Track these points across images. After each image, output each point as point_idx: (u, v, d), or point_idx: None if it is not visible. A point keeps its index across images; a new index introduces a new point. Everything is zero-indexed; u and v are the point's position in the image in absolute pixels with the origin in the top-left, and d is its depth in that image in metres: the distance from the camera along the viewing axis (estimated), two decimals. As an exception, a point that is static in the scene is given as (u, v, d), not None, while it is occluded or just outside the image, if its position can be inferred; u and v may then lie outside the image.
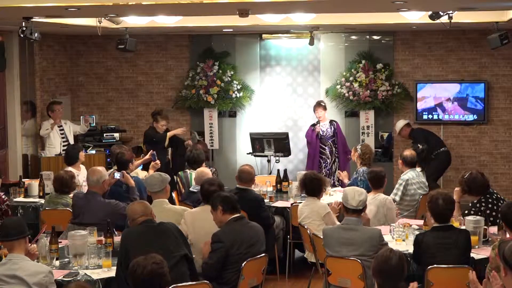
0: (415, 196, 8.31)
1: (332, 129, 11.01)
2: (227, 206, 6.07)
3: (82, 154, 9.25)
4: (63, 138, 10.95)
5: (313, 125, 11.14)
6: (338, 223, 7.14)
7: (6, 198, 7.53)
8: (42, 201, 8.30)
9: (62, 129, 11.02)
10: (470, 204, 7.02)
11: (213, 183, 6.87)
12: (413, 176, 8.40)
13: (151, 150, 9.39)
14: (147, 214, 5.70)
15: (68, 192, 7.67)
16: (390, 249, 4.85)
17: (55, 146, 10.80)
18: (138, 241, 5.46)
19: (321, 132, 10.98)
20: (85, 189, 7.73)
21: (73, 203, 7.07)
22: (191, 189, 8.31)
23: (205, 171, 8.21)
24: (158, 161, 8.76)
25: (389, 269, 4.61)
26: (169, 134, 10.67)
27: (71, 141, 10.95)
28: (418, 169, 8.66)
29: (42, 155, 10.94)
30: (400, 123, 11.47)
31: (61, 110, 11.12)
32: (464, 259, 5.81)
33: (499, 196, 7.07)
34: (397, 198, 8.17)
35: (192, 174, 8.63)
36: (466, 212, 6.89)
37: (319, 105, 11.11)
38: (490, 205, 6.93)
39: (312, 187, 7.40)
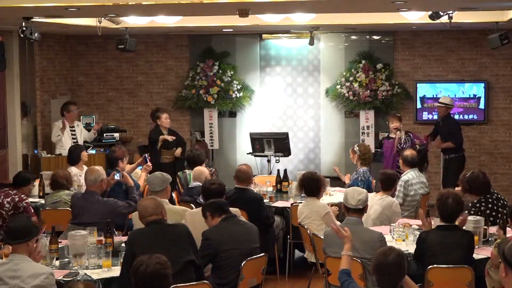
0: (416, 197, 8.29)
1: (409, 141, 10.21)
2: (214, 210, 6.16)
3: (84, 154, 9.29)
4: (74, 139, 10.97)
5: (388, 137, 10.54)
6: (338, 222, 7.14)
7: (25, 197, 7.54)
8: (42, 201, 8.31)
9: (74, 130, 11.06)
10: (470, 204, 7.02)
11: (214, 182, 6.99)
12: (414, 177, 8.37)
13: (144, 154, 9.40)
14: (157, 214, 5.66)
15: (68, 187, 7.85)
16: (390, 246, 4.84)
17: (65, 148, 10.78)
18: (145, 243, 5.43)
19: (398, 146, 10.14)
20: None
21: (72, 203, 7.07)
22: (189, 186, 8.38)
23: (201, 169, 8.36)
24: (149, 164, 8.77)
25: (386, 265, 4.60)
26: (161, 137, 10.65)
27: (81, 143, 10.93)
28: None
29: (42, 155, 10.95)
30: (446, 100, 10.89)
31: (76, 112, 11.20)
32: (466, 260, 5.80)
33: (499, 196, 7.06)
34: (400, 201, 8.12)
35: (191, 174, 8.65)
36: (466, 212, 6.87)
37: (394, 116, 10.53)
38: (490, 205, 6.92)
39: (311, 187, 7.42)
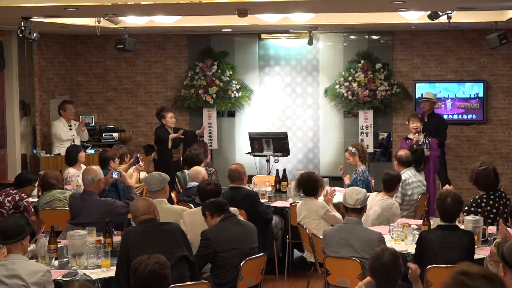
0: (413, 196, 8.29)
1: (427, 145, 9.95)
2: (213, 210, 6.16)
3: (81, 155, 9.30)
4: (72, 137, 11.02)
5: (406, 138, 10.18)
6: (338, 216, 7.17)
7: (25, 196, 7.56)
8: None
9: (72, 129, 11.08)
10: (471, 200, 7.01)
11: (209, 183, 6.95)
12: (410, 176, 8.36)
13: (135, 154, 9.40)
14: (149, 213, 5.68)
15: (59, 187, 7.85)
16: (383, 246, 4.85)
17: (65, 146, 10.82)
18: (138, 241, 5.46)
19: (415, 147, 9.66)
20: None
21: (70, 203, 7.07)
22: (187, 186, 8.38)
23: (198, 169, 8.36)
24: (141, 164, 8.76)
25: (381, 266, 4.60)
26: (171, 136, 10.70)
27: (78, 143, 10.95)
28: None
29: (41, 155, 10.94)
30: (428, 95, 10.99)
31: (73, 110, 11.23)
32: (466, 260, 5.79)
33: (503, 194, 7.01)
34: (399, 200, 8.11)
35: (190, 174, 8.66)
36: (467, 208, 6.87)
37: (415, 116, 10.18)
38: (491, 202, 6.90)
39: (308, 187, 7.43)
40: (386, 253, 4.63)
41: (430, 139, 10.14)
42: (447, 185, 7.38)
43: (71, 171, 9.11)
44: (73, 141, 10.95)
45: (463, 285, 2.58)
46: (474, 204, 6.92)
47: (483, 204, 6.89)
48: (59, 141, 11.00)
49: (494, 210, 6.88)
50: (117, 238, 6.25)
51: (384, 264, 4.59)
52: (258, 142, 11.10)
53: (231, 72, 12.38)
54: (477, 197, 7.00)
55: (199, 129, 11.42)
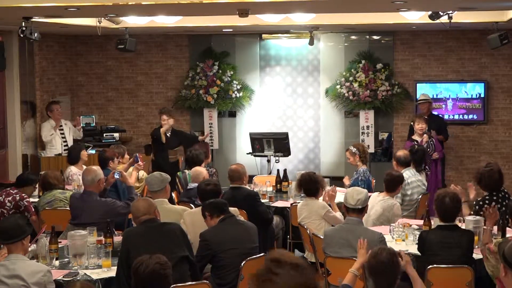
0: (413, 196, 8.28)
1: (432, 144, 10.11)
2: (213, 211, 6.15)
3: (84, 154, 9.29)
4: (63, 138, 10.98)
5: (411, 139, 10.18)
6: (338, 216, 7.16)
7: (26, 195, 7.56)
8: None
9: (62, 130, 11.06)
10: (474, 202, 7.01)
11: (209, 183, 6.95)
12: (409, 176, 8.34)
13: (135, 153, 9.40)
14: (150, 213, 5.69)
15: (60, 187, 7.84)
16: (380, 246, 4.86)
17: (56, 147, 10.82)
18: (139, 241, 5.47)
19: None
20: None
21: (70, 204, 7.07)
22: (188, 187, 8.38)
23: (199, 169, 8.35)
24: (140, 163, 8.75)
25: (378, 265, 4.61)
26: (162, 130, 10.63)
27: (70, 142, 10.95)
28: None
29: (42, 155, 10.94)
30: (425, 96, 11.18)
31: (60, 110, 11.16)
32: (466, 259, 5.81)
33: (506, 195, 6.99)
34: (399, 201, 8.11)
35: (191, 175, 8.65)
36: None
37: (420, 117, 10.31)
38: (493, 203, 6.88)
39: (309, 187, 7.43)
40: (383, 252, 4.64)
41: (434, 141, 10.15)
42: (456, 187, 7.34)
43: (73, 169, 9.11)
44: (65, 139, 10.92)
45: (271, 272, 2.70)
46: (477, 207, 6.92)
47: (485, 205, 6.88)
48: (49, 144, 10.95)
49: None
50: (118, 238, 6.26)
51: (381, 263, 4.60)
52: (259, 142, 11.10)
53: (232, 72, 12.38)
54: (479, 198, 7.00)
55: (202, 135, 11.41)
